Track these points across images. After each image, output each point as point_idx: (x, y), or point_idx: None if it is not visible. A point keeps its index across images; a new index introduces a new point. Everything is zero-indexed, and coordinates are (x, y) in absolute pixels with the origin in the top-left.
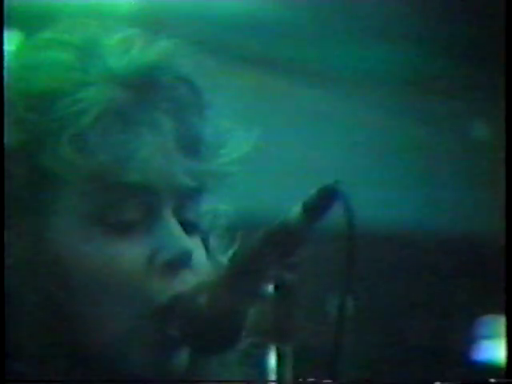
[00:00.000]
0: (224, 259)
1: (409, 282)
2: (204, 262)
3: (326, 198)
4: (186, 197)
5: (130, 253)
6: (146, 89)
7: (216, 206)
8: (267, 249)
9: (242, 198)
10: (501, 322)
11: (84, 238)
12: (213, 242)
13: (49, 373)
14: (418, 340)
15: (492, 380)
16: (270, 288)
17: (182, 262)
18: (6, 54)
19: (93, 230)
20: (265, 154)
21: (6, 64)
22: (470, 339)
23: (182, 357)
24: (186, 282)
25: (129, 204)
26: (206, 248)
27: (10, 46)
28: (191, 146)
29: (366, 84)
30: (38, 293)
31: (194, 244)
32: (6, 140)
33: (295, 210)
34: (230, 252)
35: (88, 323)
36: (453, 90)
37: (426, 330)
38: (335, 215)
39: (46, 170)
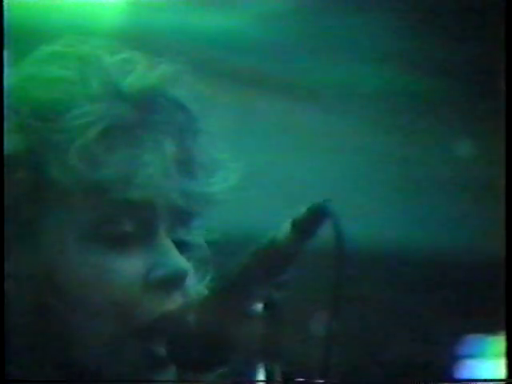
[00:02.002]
0: (209, 283)
1: (397, 299)
2: (194, 283)
3: (315, 216)
4: (180, 217)
5: (126, 267)
6: (147, 109)
7: (208, 231)
8: (256, 267)
9: (232, 223)
10: (487, 342)
11: (82, 249)
12: (202, 264)
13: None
14: (405, 358)
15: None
16: (259, 307)
17: (176, 280)
18: (6, 62)
19: (91, 242)
20: (255, 179)
21: (8, 73)
22: (458, 358)
23: (169, 374)
24: (177, 300)
25: (128, 219)
26: (196, 269)
27: (12, 58)
28: (187, 169)
29: (357, 102)
30: (33, 302)
31: (188, 264)
32: (9, 148)
33: (284, 228)
34: (220, 271)
35: (80, 336)
36: (441, 105)
37: (412, 348)
38: (325, 234)
39: (48, 180)
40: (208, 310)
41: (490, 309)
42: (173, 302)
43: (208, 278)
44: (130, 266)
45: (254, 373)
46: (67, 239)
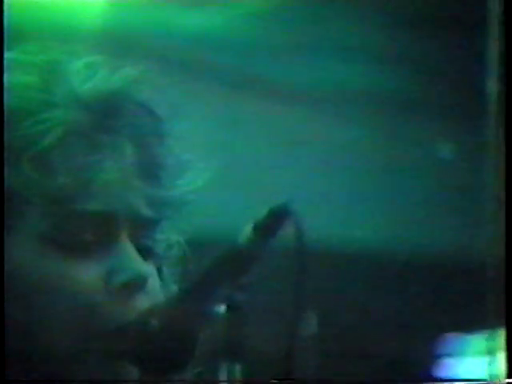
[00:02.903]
0: (176, 286)
1: (379, 303)
2: (158, 287)
3: (276, 217)
4: (142, 224)
5: (86, 274)
6: (108, 114)
7: (171, 235)
8: (219, 269)
9: (199, 227)
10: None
11: (41, 257)
12: (166, 268)
13: None
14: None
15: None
16: (222, 308)
17: (137, 284)
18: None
19: (49, 249)
20: (224, 181)
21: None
22: (441, 356)
23: (133, 376)
24: (140, 304)
25: (86, 227)
26: (160, 274)
27: None
28: (151, 173)
29: (337, 102)
30: None
31: (149, 269)
32: None
33: (246, 229)
34: (187, 273)
35: (42, 340)
36: (430, 107)
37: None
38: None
39: (6, 188)
40: (172, 313)
41: (473, 307)
42: (135, 306)
43: (175, 280)
44: (91, 272)
45: (216, 373)
46: (26, 247)
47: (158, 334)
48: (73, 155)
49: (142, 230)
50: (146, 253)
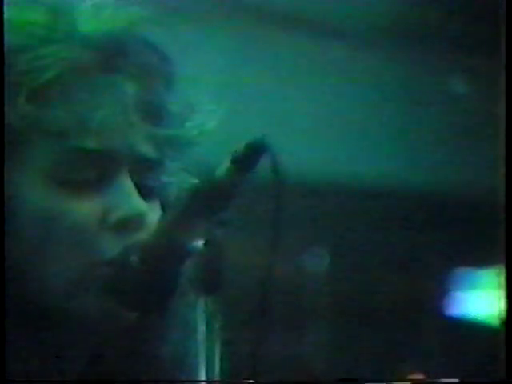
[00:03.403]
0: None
1: (389, 240)
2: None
3: (253, 151)
4: (145, 162)
5: (84, 210)
6: (112, 53)
7: (176, 176)
8: (197, 205)
9: (206, 170)
10: (481, 275)
11: (39, 193)
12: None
13: None
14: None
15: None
16: (200, 243)
17: (134, 222)
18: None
19: (49, 185)
20: (233, 125)
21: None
22: (450, 294)
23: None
24: (135, 243)
25: (84, 164)
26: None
27: None
28: (155, 113)
29: (353, 34)
30: None
31: (149, 207)
32: None
33: (224, 164)
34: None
35: (39, 273)
36: (445, 42)
37: (405, 290)
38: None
39: (5, 124)
40: (151, 249)
41: (484, 243)
42: (131, 243)
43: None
44: (89, 209)
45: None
46: (24, 184)
47: (138, 269)
48: (72, 92)
49: (143, 169)
50: (147, 192)
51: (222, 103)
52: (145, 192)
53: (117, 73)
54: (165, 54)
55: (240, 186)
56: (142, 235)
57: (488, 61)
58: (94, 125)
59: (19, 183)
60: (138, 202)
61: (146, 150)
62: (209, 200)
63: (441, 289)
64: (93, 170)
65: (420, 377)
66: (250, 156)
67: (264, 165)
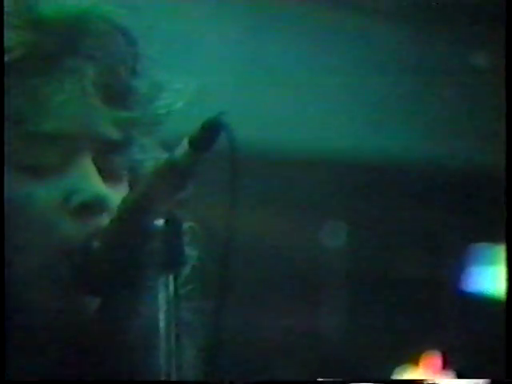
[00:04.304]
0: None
1: (400, 212)
2: None
3: (210, 130)
4: (109, 145)
5: (44, 195)
6: (73, 36)
7: (141, 157)
8: (157, 185)
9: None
10: (493, 252)
11: (4, 179)
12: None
13: None
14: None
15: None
16: (161, 223)
17: (94, 206)
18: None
19: (7, 171)
20: (199, 104)
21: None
22: (463, 270)
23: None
24: (98, 227)
25: (44, 148)
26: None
27: None
28: (119, 95)
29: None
30: None
31: (114, 191)
32: None
33: (181, 144)
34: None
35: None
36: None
37: (417, 262)
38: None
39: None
40: (113, 231)
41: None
42: (93, 227)
43: None
44: (50, 193)
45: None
46: None
47: (100, 252)
48: (30, 76)
49: (106, 151)
50: (112, 175)
51: (190, 82)
52: (110, 175)
53: (78, 56)
54: (129, 34)
55: (198, 166)
56: (105, 219)
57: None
58: (54, 109)
59: None
60: (99, 186)
61: (110, 132)
62: (168, 181)
63: (458, 264)
64: (53, 154)
65: (436, 354)
66: (206, 135)
67: (221, 143)
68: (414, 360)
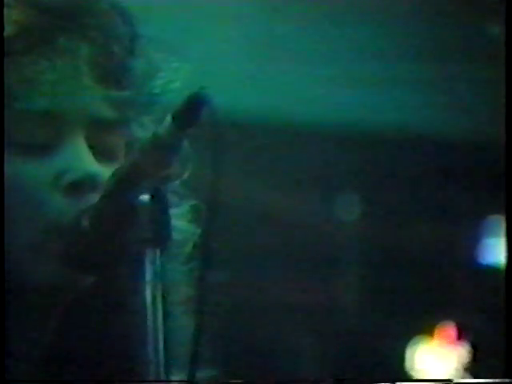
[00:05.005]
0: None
1: (409, 184)
2: None
3: (192, 105)
4: (101, 125)
5: (37, 173)
6: (70, 16)
7: (141, 135)
8: (143, 162)
9: None
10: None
11: None
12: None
13: None
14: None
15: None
16: (147, 198)
17: (85, 184)
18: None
19: (5, 149)
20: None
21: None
22: (478, 242)
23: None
24: (88, 205)
25: (36, 126)
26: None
27: None
28: (113, 75)
29: None
30: None
31: (106, 170)
32: None
33: (165, 121)
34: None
35: None
36: None
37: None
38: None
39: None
40: (101, 207)
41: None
42: (83, 208)
43: None
44: (43, 172)
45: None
46: None
47: (91, 230)
48: (22, 53)
49: (99, 130)
50: (105, 154)
51: (186, 62)
52: (104, 153)
53: (73, 34)
54: (126, 14)
55: (182, 142)
56: (96, 196)
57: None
58: (46, 87)
59: None
60: (91, 165)
61: (104, 111)
62: (153, 157)
63: (473, 236)
64: (45, 132)
65: (450, 325)
66: (188, 111)
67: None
68: (429, 332)
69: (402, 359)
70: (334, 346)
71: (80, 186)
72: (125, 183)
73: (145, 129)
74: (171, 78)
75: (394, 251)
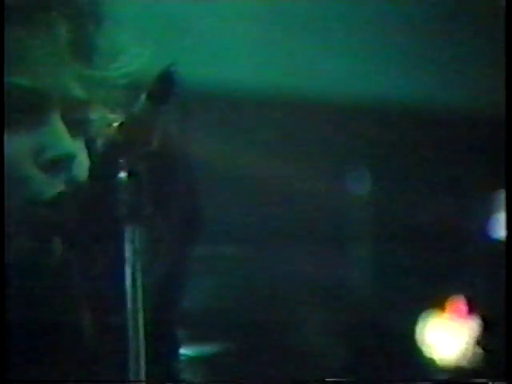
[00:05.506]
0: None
1: (409, 158)
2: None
3: (165, 81)
4: (74, 103)
5: (14, 150)
6: None
7: (105, 115)
8: (120, 140)
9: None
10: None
11: None
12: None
13: None
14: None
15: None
16: (124, 175)
17: (64, 162)
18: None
19: None
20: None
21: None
22: (489, 216)
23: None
24: (67, 181)
25: (13, 103)
26: (90, 154)
27: None
28: (85, 54)
29: None
30: None
31: (79, 148)
32: None
33: (140, 99)
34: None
35: None
36: None
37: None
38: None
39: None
40: (80, 184)
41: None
42: (64, 183)
43: None
44: (21, 148)
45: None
46: None
47: (70, 205)
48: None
49: (73, 109)
50: (77, 131)
51: (148, 46)
52: (77, 132)
53: (50, 11)
54: None
55: (157, 119)
56: (73, 174)
57: None
58: (26, 64)
59: None
60: (68, 142)
61: (77, 90)
62: (130, 136)
63: (484, 210)
64: (23, 109)
65: (461, 299)
66: (161, 87)
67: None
68: (439, 305)
69: (412, 333)
70: (344, 321)
71: (58, 163)
72: (102, 161)
73: (116, 107)
74: (130, 62)
75: (404, 225)
